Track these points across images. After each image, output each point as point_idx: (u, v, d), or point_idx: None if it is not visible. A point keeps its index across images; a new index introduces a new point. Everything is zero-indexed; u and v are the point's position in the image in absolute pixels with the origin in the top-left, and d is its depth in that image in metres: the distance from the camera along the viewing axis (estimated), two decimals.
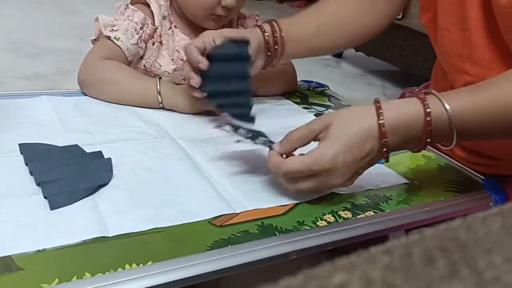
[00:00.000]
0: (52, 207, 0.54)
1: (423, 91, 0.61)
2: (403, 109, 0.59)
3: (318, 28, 0.88)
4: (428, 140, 0.59)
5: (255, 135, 0.66)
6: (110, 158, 0.64)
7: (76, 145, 0.67)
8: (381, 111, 0.58)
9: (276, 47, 0.84)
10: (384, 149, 0.59)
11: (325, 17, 0.89)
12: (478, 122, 0.58)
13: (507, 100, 0.57)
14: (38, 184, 0.58)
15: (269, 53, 0.85)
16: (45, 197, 0.56)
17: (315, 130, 0.60)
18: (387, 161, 0.62)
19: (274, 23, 0.85)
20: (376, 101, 0.60)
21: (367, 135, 0.58)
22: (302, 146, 0.62)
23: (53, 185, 0.57)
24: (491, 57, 0.70)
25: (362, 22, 0.90)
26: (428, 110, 0.57)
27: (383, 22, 0.91)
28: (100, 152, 0.66)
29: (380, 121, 0.57)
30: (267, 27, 0.85)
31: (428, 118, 0.57)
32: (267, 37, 0.83)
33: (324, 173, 0.58)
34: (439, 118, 0.57)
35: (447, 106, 0.57)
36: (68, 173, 0.60)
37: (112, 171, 0.62)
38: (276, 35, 0.84)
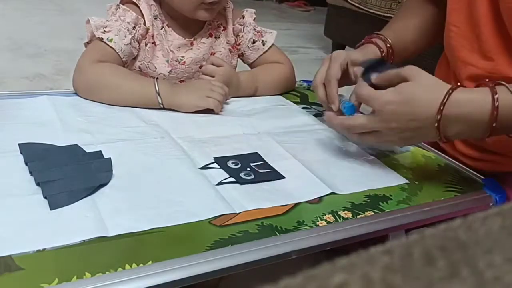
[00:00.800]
0: (52, 207, 0.54)
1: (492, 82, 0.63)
2: (473, 94, 0.63)
3: (419, 32, 0.92)
4: (494, 125, 0.61)
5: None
6: (110, 158, 0.64)
7: (76, 145, 0.67)
8: (450, 92, 0.61)
9: (392, 59, 0.88)
10: (436, 124, 0.62)
11: (421, 18, 0.92)
12: None
13: None
14: (38, 184, 0.58)
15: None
16: (45, 197, 0.56)
17: (401, 76, 0.66)
18: (440, 139, 0.64)
19: (383, 37, 0.88)
20: (453, 87, 0.62)
21: (428, 104, 0.62)
22: (385, 83, 0.68)
23: (53, 185, 0.57)
24: (500, 50, 0.72)
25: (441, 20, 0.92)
26: (496, 96, 0.60)
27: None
28: (100, 152, 0.66)
29: (444, 101, 0.61)
30: (380, 43, 0.87)
31: (496, 104, 0.60)
32: (383, 53, 0.86)
33: (378, 111, 0.65)
34: (506, 106, 0.60)
35: None
36: (68, 173, 0.60)
37: (112, 171, 0.62)
38: (388, 47, 0.87)
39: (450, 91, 0.61)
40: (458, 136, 0.67)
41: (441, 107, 0.61)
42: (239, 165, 0.68)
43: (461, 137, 0.69)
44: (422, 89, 0.63)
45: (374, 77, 0.70)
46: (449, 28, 0.79)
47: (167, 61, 0.92)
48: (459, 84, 0.64)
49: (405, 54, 0.92)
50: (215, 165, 0.68)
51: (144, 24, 0.90)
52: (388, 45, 0.88)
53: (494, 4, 0.70)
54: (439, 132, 0.63)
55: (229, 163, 0.68)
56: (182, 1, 0.88)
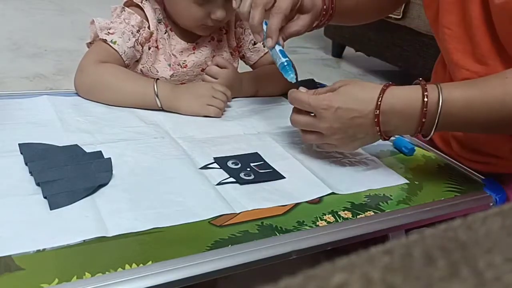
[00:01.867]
0: (52, 207, 0.54)
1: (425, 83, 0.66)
2: (406, 90, 0.66)
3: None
4: (423, 120, 0.64)
5: None
6: (109, 158, 0.64)
7: (76, 145, 0.67)
8: (384, 89, 0.65)
9: (332, 4, 0.85)
10: (376, 119, 0.65)
11: None
12: (463, 115, 0.63)
13: (493, 99, 0.62)
14: (38, 184, 0.58)
15: (324, 12, 0.85)
16: (45, 197, 0.56)
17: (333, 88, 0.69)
18: (382, 138, 0.68)
19: None
20: (386, 84, 0.67)
21: (365, 101, 0.66)
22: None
23: (53, 185, 0.57)
24: (493, 54, 0.71)
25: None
26: (426, 93, 0.63)
27: None
28: (100, 152, 0.66)
29: (380, 97, 0.65)
30: None
31: (425, 100, 0.63)
32: None
33: (318, 112, 0.67)
34: (432, 104, 0.63)
35: (442, 95, 0.63)
36: (68, 173, 0.60)
37: (112, 171, 0.62)
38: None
39: (385, 88, 0.65)
40: (395, 132, 0.69)
41: (379, 102, 0.64)
42: (239, 165, 0.68)
43: (397, 133, 0.72)
44: (360, 88, 0.67)
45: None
46: (442, 31, 0.79)
47: (169, 65, 0.92)
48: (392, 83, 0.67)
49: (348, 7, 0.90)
50: (215, 165, 0.68)
51: (149, 27, 0.90)
52: None
53: (486, 6, 0.70)
54: (379, 128, 0.66)
55: (229, 163, 0.68)
56: (184, 20, 0.90)
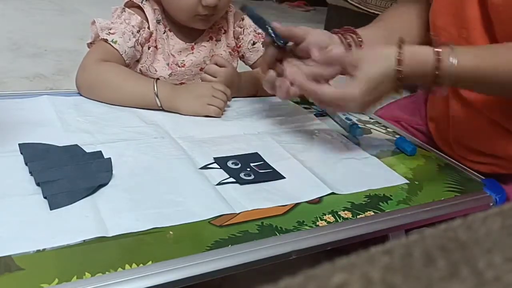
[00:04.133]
0: (52, 207, 0.54)
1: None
2: (420, 49, 0.68)
3: (390, 34, 0.87)
4: (437, 72, 0.66)
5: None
6: (110, 158, 0.64)
7: (76, 145, 0.67)
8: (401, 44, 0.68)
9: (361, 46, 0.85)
10: (400, 76, 0.67)
11: (392, 25, 0.90)
12: (474, 77, 0.66)
13: (504, 63, 0.65)
14: (38, 184, 0.58)
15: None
16: (45, 197, 0.56)
17: (348, 62, 0.70)
18: (400, 86, 0.69)
19: (347, 30, 0.85)
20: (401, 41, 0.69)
21: (385, 58, 0.68)
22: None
23: (53, 185, 0.57)
24: None
25: (420, 32, 0.91)
26: (439, 51, 0.66)
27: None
28: (100, 152, 0.66)
29: (399, 51, 0.67)
30: (347, 36, 0.84)
31: (438, 57, 0.65)
32: (345, 39, 0.83)
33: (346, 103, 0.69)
34: (446, 61, 0.65)
35: (455, 57, 0.65)
36: (68, 173, 0.60)
37: (112, 171, 0.62)
38: (354, 38, 0.84)
39: (400, 51, 0.67)
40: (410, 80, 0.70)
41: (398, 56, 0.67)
42: (239, 165, 0.68)
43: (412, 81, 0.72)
44: (377, 68, 0.68)
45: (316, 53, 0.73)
46: (439, 32, 0.79)
47: (168, 64, 0.92)
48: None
49: None
50: (215, 165, 0.68)
51: (148, 28, 0.90)
52: (356, 40, 0.84)
53: (485, 8, 0.70)
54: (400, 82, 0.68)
55: (229, 163, 0.68)
56: (176, 11, 0.89)
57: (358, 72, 0.68)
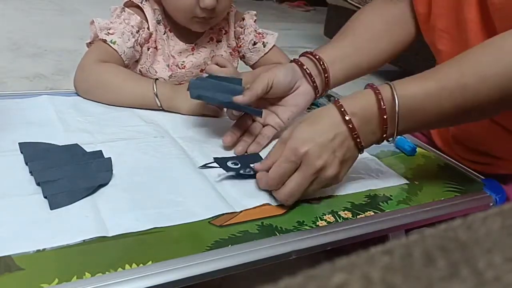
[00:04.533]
0: (52, 207, 0.54)
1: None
2: (359, 97, 0.61)
3: (352, 42, 0.85)
4: (385, 127, 0.60)
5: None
6: (110, 158, 0.64)
7: (76, 144, 0.67)
8: (340, 103, 0.60)
9: (326, 75, 0.79)
10: (353, 131, 0.59)
11: (359, 31, 0.86)
12: (428, 109, 0.59)
13: (452, 87, 0.58)
14: (38, 184, 0.58)
15: (315, 84, 0.79)
16: (45, 197, 0.56)
17: (285, 138, 0.61)
18: (360, 152, 0.62)
19: (309, 55, 0.80)
20: (336, 100, 0.62)
21: (332, 123, 0.60)
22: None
23: (53, 185, 0.57)
24: None
25: (393, 39, 0.87)
26: (380, 96, 0.59)
27: (408, 40, 0.88)
28: (100, 152, 0.66)
29: (342, 109, 0.60)
30: (304, 60, 0.80)
31: (379, 97, 0.59)
32: (307, 70, 0.78)
33: (302, 159, 0.58)
34: (390, 104, 0.59)
35: (396, 93, 0.59)
36: (68, 172, 0.60)
37: (112, 170, 0.62)
38: (318, 64, 0.79)
39: (338, 105, 0.60)
40: (366, 141, 0.62)
41: (345, 114, 0.59)
42: (239, 165, 0.68)
43: (368, 142, 0.63)
44: (316, 119, 0.61)
45: (256, 165, 0.64)
46: (439, 34, 0.78)
47: (168, 66, 0.92)
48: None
49: (343, 70, 0.82)
50: (214, 164, 0.68)
51: (148, 28, 0.89)
52: (318, 63, 0.79)
53: (483, 9, 0.69)
54: (358, 138, 0.60)
55: (229, 163, 0.68)
56: (175, 12, 0.88)
57: (295, 130, 0.60)
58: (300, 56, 0.82)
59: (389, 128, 0.60)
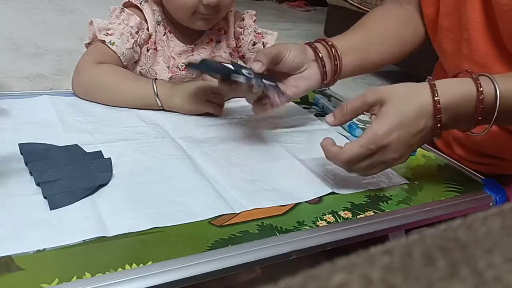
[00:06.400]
0: (52, 207, 0.54)
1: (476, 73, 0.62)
2: (457, 87, 0.61)
3: (364, 37, 0.85)
4: (480, 118, 0.60)
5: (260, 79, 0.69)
6: (110, 158, 0.64)
7: (76, 145, 0.67)
8: (435, 88, 0.60)
9: (336, 62, 0.79)
10: (438, 125, 0.60)
11: (370, 27, 0.87)
12: None
13: None
14: (38, 184, 0.58)
15: (325, 69, 0.80)
16: (45, 197, 0.56)
17: (369, 104, 0.62)
18: (439, 137, 0.63)
19: (323, 41, 0.81)
20: (430, 79, 0.61)
21: (421, 112, 0.60)
22: (355, 117, 0.66)
23: (53, 185, 0.57)
24: (490, 57, 0.70)
25: (402, 38, 0.88)
26: (481, 89, 0.59)
27: (416, 42, 0.89)
28: (100, 152, 0.66)
29: (436, 98, 0.59)
30: (317, 44, 0.80)
31: (481, 97, 0.59)
32: (319, 54, 0.79)
33: (380, 150, 0.60)
34: (489, 98, 0.59)
35: (498, 87, 0.59)
36: (68, 173, 0.60)
37: (112, 171, 0.62)
38: (331, 51, 0.80)
39: (433, 87, 0.60)
40: (449, 127, 0.64)
41: (437, 106, 0.59)
42: (252, 75, 0.68)
43: (452, 128, 0.66)
44: (406, 101, 0.60)
45: (328, 117, 0.66)
46: (445, 34, 0.78)
47: (168, 67, 0.92)
48: (431, 78, 0.62)
49: (354, 62, 0.83)
50: (230, 66, 0.68)
51: (147, 29, 0.89)
52: (330, 50, 0.79)
53: (487, 9, 0.69)
54: (440, 131, 0.62)
55: (244, 71, 0.68)
56: (177, 10, 0.87)
57: (385, 107, 0.60)
58: (313, 42, 0.82)
59: (482, 121, 0.61)
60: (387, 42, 0.86)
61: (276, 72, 0.78)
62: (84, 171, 0.61)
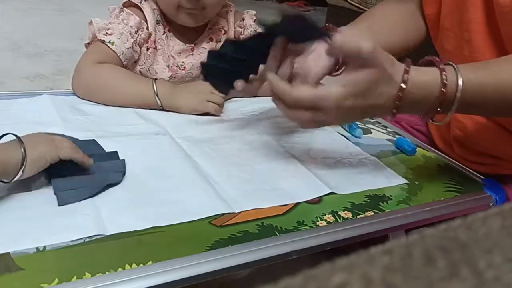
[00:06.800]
0: (60, 203, 0.54)
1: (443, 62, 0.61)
2: (426, 73, 0.60)
3: (369, 27, 0.85)
4: (439, 109, 0.60)
5: None
6: (123, 160, 0.64)
7: (94, 140, 0.67)
8: (408, 69, 0.59)
9: None
10: (396, 102, 0.58)
11: (375, 18, 0.87)
12: (480, 97, 0.60)
13: (508, 78, 0.59)
14: (49, 179, 0.57)
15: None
16: (55, 193, 0.56)
17: (360, 58, 0.58)
18: (393, 116, 0.61)
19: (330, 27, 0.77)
20: (408, 61, 0.60)
21: (387, 80, 0.58)
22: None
23: (64, 181, 0.57)
24: (490, 58, 0.70)
25: (406, 31, 0.87)
26: (445, 82, 0.59)
27: (418, 37, 0.88)
28: (115, 153, 0.66)
29: (405, 76, 0.58)
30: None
31: (443, 89, 0.59)
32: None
33: (326, 110, 0.58)
34: (451, 89, 0.59)
35: (460, 79, 0.59)
36: (80, 171, 0.60)
37: (124, 171, 0.62)
38: None
39: (406, 78, 0.58)
40: (405, 112, 0.63)
41: (399, 93, 0.58)
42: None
43: (407, 113, 0.64)
44: (380, 79, 0.58)
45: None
46: (446, 34, 0.78)
47: (168, 66, 0.92)
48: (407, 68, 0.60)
49: None
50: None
51: (147, 28, 0.89)
52: None
53: (488, 11, 0.69)
54: (395, 109, 0.60)
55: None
56: (163, 4, 0.88)
57: (366, 73, 0.58)
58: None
59: (442, 109, 0.60)
60: (391, 34, 0.86)
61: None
62: (97, 170, 0.61)
